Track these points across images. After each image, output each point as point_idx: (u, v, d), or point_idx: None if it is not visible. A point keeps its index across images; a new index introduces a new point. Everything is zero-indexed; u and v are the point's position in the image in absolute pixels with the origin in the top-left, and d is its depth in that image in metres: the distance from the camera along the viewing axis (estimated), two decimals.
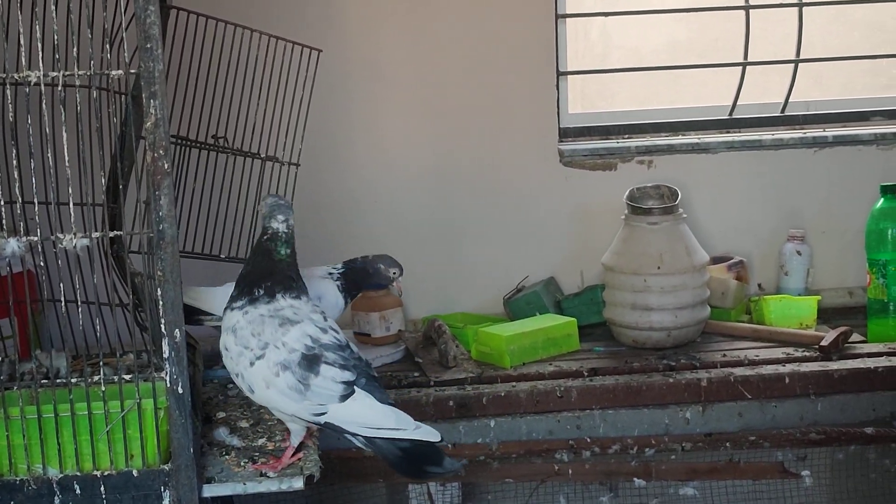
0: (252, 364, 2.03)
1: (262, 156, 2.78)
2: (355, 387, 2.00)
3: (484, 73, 3.26)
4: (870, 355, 2.90)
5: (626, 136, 3.45)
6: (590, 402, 2.79)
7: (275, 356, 2.01)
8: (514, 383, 2.82)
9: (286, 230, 2.10)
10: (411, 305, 3.22)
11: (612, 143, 3.38)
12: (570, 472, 2.75)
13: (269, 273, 2.09)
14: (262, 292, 2.08)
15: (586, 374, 2.86)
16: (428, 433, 1.98)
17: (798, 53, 3.43)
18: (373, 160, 3.26)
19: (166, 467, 1.98)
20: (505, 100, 3.28)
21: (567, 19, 3.39)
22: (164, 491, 1.99)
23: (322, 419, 2.00)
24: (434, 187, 3.29)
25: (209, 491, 2.05)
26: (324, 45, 2.84)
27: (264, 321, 2.05)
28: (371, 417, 1.99)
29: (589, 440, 2.76)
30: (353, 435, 2.01)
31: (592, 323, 3.17)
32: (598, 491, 2.84)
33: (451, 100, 3.27)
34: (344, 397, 1.99)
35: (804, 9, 3.43)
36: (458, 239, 3.30)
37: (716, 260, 3.20)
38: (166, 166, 1.94)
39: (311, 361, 2.00)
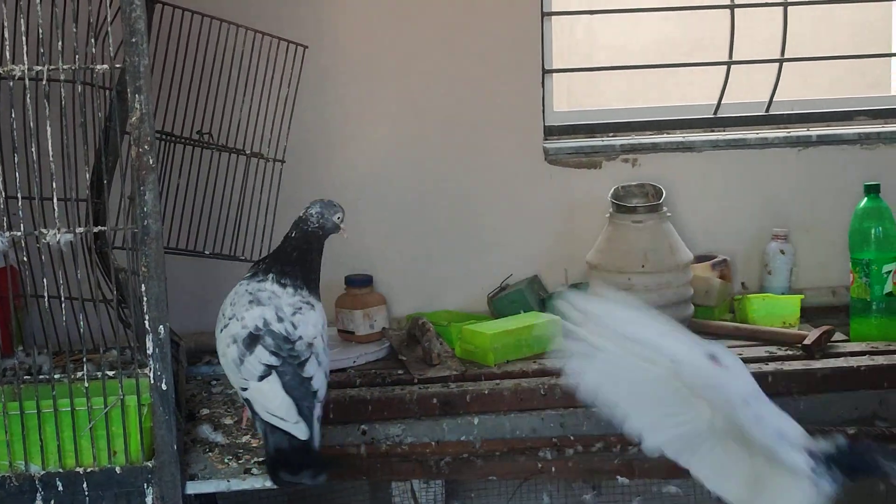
0: (220, 331, 2.18)
1: (248, 152, 2.78)
2: (274, 371, 2.09)
3: (470, 70, 3.26)
4: (852, 354, 2.90)
5: (611, 134, 3.45)
6: (574, 401, 2.75)
7: (233, 329, 2.15)
8: (497, 381, 2.82)
9: (302, 215, 2.28)
10: (395, 303, 3.22)
11: (596, 142, 3.38)
12: (554, 469, 2.74)
13: (276, 254, 2.27)
14: (262, 268, 2.25)
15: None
16: (297, 429, 2.05)
17: (783, 53, 3.43)
18: (357, 157, 3.26)
19: (149, 464, 1.98)
20: (490, 97, 3.28)
21: (553, 17, 3.39)
22: (147, 488, 1.99)
23: (245, 394, 2.12)
24: (419, 185, 3.28)
25: (192, 488, 2.05)
26: (311, 42, 2.84)
27: (242, 295, 2.19)
28: (271, 401, 2.07)
29: (572, 438, 2.75)
30: (260, 420, 2.09)
31: None
32: (581, 489, 2.84)
33: (437, 97, 3.26)
34: (260, 378, 2.08)
35: (790, 8, 3.43)
36: (442, 237, 3.30)
37: (700, 258, 3.21)
38: (151, 162, 1.94)
39: (252, 341, 2.11)
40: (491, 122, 3.29)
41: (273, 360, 2.09)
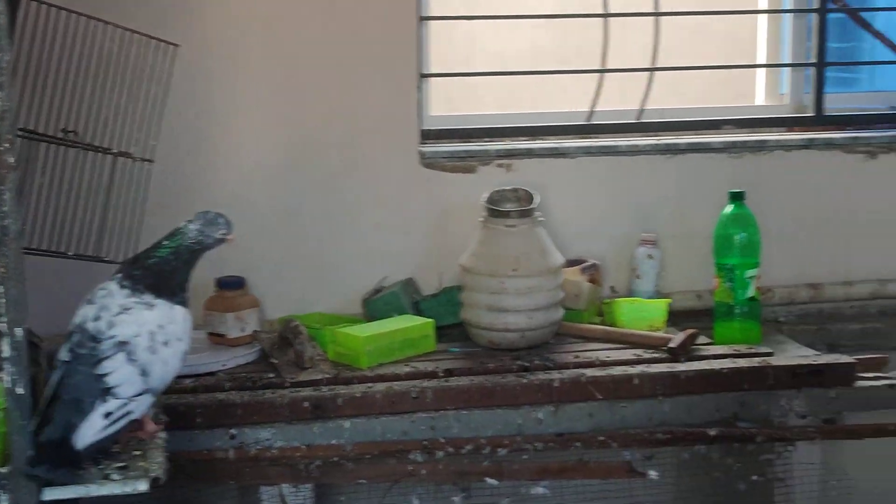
0: None
1: (114, 151, 2.73)
2: (62, 367, 2.14)
3: (345, 72, 3.25)
4: (715, 357, 2.98)
5: (487, 139, 3.48)
6: (445, 403, 2.81)
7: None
8: (370, 384, 2.82)
9: (180, 227, 2.27)
10: (268, 306, 3.19)
11: (472, 146, 3.41)
12: (424, 472, 2.76)
13: (137, 255, 2.29)
14: (120, 267, 2.27)
15: (442, 374, 2.88)
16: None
17: (654, 62, 3.51)
18: (231, 158, 3.23)
19: (3, 470, 1.93)
20: (366, 100, 3.28)
21: (431, 22, 3.40)
22: (2, 494, 1.94)
23: None
24: (293, 187, 3.27)
25: (50, 494, 2.00)
26: (183, 41, 2.80)
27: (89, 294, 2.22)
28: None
29: (443, 440, 2.77)
30: None
31: (450, 324, 3.18)
32: (450, 491, 2.86)
33: (312, 98, 3.25)
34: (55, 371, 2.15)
35: (662, 19, 3.51)
36: (316, 239, 3.29)
37: (571, 263, 3.25)
38: (11, 160, 1.90)
39: (68, 337, 2.17)
40: (366, 125, 3.29)
41: (66, 357, 2.13)
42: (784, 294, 3.47)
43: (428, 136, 3.41)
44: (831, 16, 3.60)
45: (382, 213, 3.32)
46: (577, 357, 2.97)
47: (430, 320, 3.06)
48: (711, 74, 3.67)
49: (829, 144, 3.50)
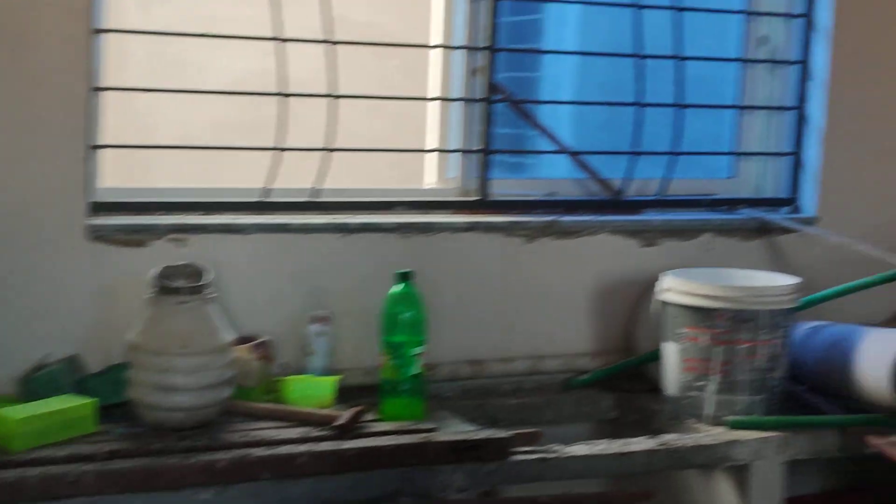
0: None
1: None
2: None
3: (9, 140, 3.14)
4: (381, 434, 3.05)
5: (161, 212, 3.43)
6: (105, 487, 2.72)
7: None
8: (23, 469, 2.69)
9: None
10: None
11: (144, 220, 3.35)
12: None
13: None
14: None
15: (104, 456, 2.79)
16: None
17: (329, 142, 3.59)
18: None
19: None
20: (32, 170, 3.17)
21: (109, 91, 3.34)
22: None
23: None
24: None
25: None
26: None
27: None
28: None
29: None
30: None
31: (117, 402, 3.10)
32: None
33: None
34: None
35: (340, 100, 3.60)
36: None
37: (242, 340, 3.25)
38: None
39: None
40: (31, 196, 3.17)
41: None
42: (448, 370, 3.60)
43: (99, 208, 3.33)
44: (503, 104, 3.82)
45: (46, 288, 3.21)
46: (244, 436, 2.96)
47: (90, 400, 2.97)
48: (384, 155, 3.80)
49: (491, 228, 3.69)
